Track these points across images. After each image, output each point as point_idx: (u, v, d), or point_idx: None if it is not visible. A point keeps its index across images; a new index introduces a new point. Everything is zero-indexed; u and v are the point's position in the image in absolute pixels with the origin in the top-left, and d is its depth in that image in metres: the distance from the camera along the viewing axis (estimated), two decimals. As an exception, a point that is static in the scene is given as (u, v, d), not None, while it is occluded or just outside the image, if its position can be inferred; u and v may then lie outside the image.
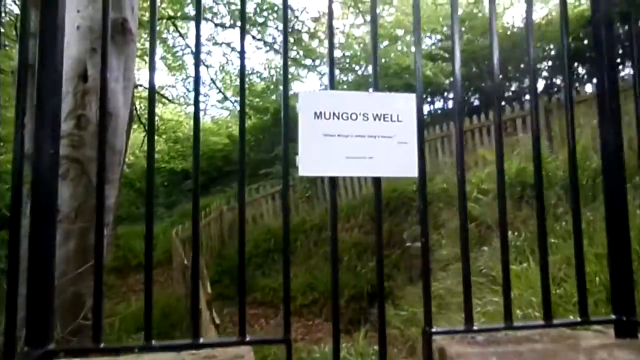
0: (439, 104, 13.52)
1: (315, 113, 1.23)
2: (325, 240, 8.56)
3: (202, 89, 15.85)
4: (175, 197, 14.62)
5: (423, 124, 1.31)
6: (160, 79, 16.17)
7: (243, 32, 1.41)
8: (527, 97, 10.72)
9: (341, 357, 4.57)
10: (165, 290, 7.49)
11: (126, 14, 4.12)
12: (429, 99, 12.95)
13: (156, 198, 14.63)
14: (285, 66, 1.28)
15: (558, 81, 10.87)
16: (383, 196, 6.12)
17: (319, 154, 1.21)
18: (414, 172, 1.28)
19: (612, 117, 1.41)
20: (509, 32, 11.18)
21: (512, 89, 11.09)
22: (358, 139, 1.25)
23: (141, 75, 16.61)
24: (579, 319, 1.40)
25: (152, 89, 1.29)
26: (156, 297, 7.00)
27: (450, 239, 6.43)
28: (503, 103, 9.92)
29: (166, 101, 15.63)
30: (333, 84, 1.30)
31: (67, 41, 4.33)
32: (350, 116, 1.25)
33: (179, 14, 11.70)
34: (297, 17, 11.34)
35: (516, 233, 4.95)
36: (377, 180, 1.32)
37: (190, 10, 11.35)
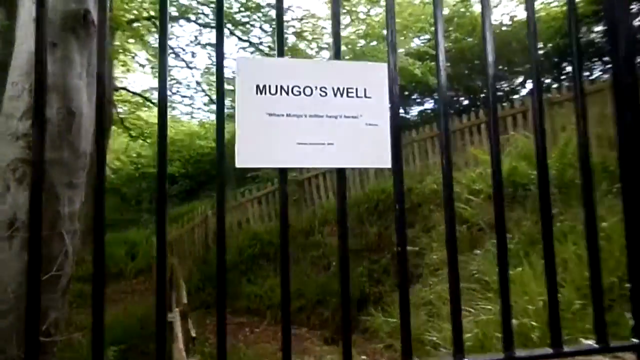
0: (428, 105, 13.34)
1: (258, 87, 0.97)
2: (313, 245, 8.30)
3: (187, 92, 15.56)
4: (161, 203, 14.23)
5: (398, 100, 1.05)
6: (144, 82, 15.83)
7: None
8: (517, 95, 10.58)
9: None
10: (146, 300, 7.16)
11: (88, 5, 3.82)
12: (417, 99, 12.77)
13: (140, 204, 14.29)
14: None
15: (547, 80, 10.74)
16: (371, 198, 5.82)
17: (262, 140, 0.96)
18: (386, 162, 1.02)
19: (631, 106, 1.16)
20: (497, 30, 11.03)
21: (503, 87, 10.94)
22: (314, 120, 0.99)
23: (128, 79, 16.27)
24: (595, 345, 1.15)
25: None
26: (135, 307, 6.69)
27: (441, 242, 6.19)
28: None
29: (151, 105, 15.27)
30: (282, 49, 1.02)
31: (23, 33, 3.98)
32: (304, 90, 0.99)
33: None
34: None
35: (509, 235, 4.72)
36: (340, 173, 1.05)
37: (174, 10, 11.06)
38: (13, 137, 3.59)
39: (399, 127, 1.02)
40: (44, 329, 3.50)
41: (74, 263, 4.27)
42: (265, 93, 0.97)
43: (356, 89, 1.02)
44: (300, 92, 0.99)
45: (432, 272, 5.82)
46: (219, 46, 1.00)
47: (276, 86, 0.98)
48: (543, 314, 3.00)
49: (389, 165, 1.01)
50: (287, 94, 0.98)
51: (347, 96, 1.01)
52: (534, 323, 2.89)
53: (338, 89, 1.01)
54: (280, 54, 1.02)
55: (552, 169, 5.31)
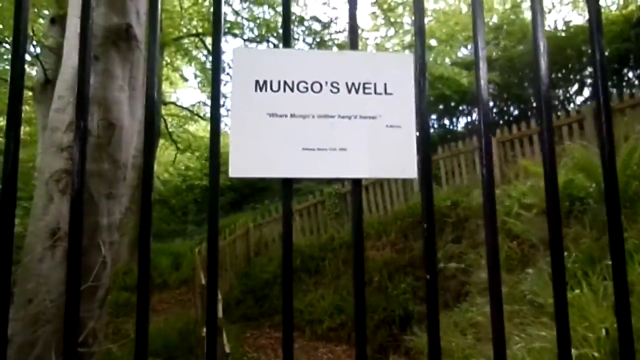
0: (476, 115, 12.87)
1: (257, 82, 0.83)
2: (354, 259, 8.09)
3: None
4: (206, 214, 14.50)
5: (426, 97, 0.88)
6: (192, 97, 16.29)
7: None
8: (572, 104, 9.99)
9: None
10: (187, 311, 7.21)
11: (131, 19, 3.88)
12: (464, 110, 12.35)
13: (187, 215, 14.60)
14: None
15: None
16: (415, 211, 5.58)
17: (261, 145, 0.82)
18: (411, 172, 0.86)
19: None
20: (551, 36, 10.51)
21: (558, 95, 10.37)
22: (323, 122, 0.83)
23: (177, 93, 16.82)
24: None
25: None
26: (175, 318, 6.73)
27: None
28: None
29: (198, 118, 15.68)
30: (289, 38, 0.88)
31: (69, 49, 4.08)
32: (312, 86, 0.83)
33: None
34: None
35: (566, 253, 4.35)
36: (356, 185, 0.89)
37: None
38: (58, 149, 3.68)
39: (427, 129, 0.86)
40: (81, 339, 3.52)
41: (112, 274, 4.31)
42: (266, 89, 0.83)
43: (375, 85, 0.86)
44: (307, 88, 0.84)
45: (480, 291, 5.48)
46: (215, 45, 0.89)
47: (279, 81, 0.84)
48: (606, 344, 2.68)
49: (414, 176, 0.85)
50: (292, 90, 0.84)
51: (364, 93, 0.85)
52: (595, 354, 2.57)
53: (353, 84, 0.85)
54: (287, 43, 0.88)
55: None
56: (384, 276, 7.49)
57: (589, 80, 10.15)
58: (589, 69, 10.01)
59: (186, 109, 14.46)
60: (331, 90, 0.83)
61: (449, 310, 5.77)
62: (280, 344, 5.78)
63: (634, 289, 3.13)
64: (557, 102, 10.18)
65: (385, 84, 0.85)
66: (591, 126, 6.23)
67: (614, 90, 9.40)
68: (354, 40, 0.86)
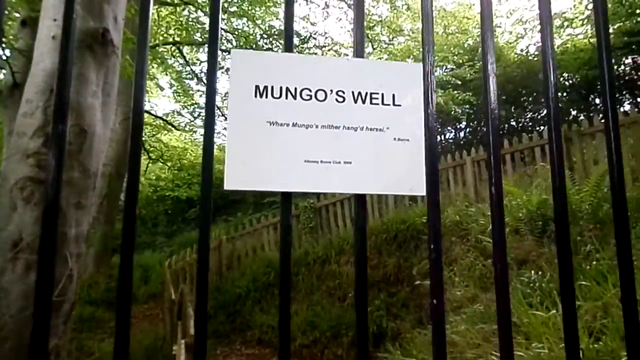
0: (449, 134, 13.12)
1: (257, 88, 0.77)
2: (329, 274, 8.02)
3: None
4: (177, 226, 14.18)
5: (435, 110, 0.84)
6: (166, 106, 16.05)
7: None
8: (542, 127, 10.27)
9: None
10: (155, 327, 6.95)
11: (108, 24, 3.78)
12: (437, 128, 12.56)
13: (157, 226, 14.24)
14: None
15: (574, 112, 10.45)
16: (390, 228, 5.55)
17: (260, 156, 0.75)
18: (419, 188, 0.81)
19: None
20: (524, 60, 10.86)
21: (529, 116, 10.68)
22: (327, 133, 0.78)
23: (150, 102, 16.52)
24: None
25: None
26: (142, 334, 6.47)
27: (463, 277, 5.88)
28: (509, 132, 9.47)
29: (171, 128, 15.41)
30: (291, 42, 0.82)
31: (40, 52, 3.92)
32: (315, 94, 0.78)
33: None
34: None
35: (540, 273, 4.40)
36: (360, 200, 0.84)
37: (198, 36, 11.22)
38: (23, 155, 3.50)
39: (435, 144, 0.81)
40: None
41: (78, 288, 4.10)
42: (267, 96, 0.77)
43: (382, 95, 0.81)
44: (311, 96, 0.78)
45: (454, 309, 5.48)
46: (211, 45, 0.82)
47: (281, 88, 0.78)
48: (584, 365, 2.69)
49: (423, 193, 0.80)
50: (295, 97, 0.78)
51: (371, 103, 0.80)
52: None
53: (359, 93, 0.80)
54: (289, 47, 0.82)
55: (586, 203, 5.00)
56: (358, 292, 7.42)
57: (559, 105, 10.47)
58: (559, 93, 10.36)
59: (160, 118, 14.20)
60: (336, 99, 0.78)
61: (424, 327, 5.75)
62: (251, 362, 5.56)
63: (609, 310, 3.17)
64: (528, 123, 10.47)
65: (393, 95, 0.80)
66: (564, 148, 6.39)
67: (582, 115, 9.75)
68: (360, 48, 0.81)
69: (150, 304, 8.46)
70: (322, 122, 0.76)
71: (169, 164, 15.72)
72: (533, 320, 3.51)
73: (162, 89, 13.84)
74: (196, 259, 6.81)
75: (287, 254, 0.79)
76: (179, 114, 16.03)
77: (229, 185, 0.74)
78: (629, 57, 9.46)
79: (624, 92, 9.90)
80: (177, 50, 11.40)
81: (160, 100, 19.31)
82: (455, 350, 4.55)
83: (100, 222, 9.31)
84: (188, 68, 12.79)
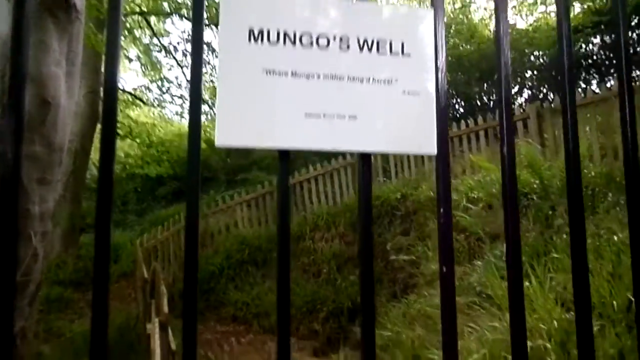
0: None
1: (251, 32, 0.67)
2: (303, 251, 8.02)
3: (177, 91, 15.24)
4: (147, 204, 13.87)
5: (446, 61, 0.77)
6: (133, 81, 15.48)
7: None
8: (514, 104, 10.41)
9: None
10: (127, 306, 6.82)
11: (70, -13, 3.54)
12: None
13: (126, 205, 13.89)
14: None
15: (544, 90, 10.61)
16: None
17: (255, 108, 0.66)
18: (429, 147, 0.75)
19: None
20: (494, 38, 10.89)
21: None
22: (330, 84, 0.69)
23: (121, 77, 15.88)
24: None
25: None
26: (114, 313, 6.34)
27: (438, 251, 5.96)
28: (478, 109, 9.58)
29: (140, 104, 14.92)
30: None
31: (-4, 16, 3.59)
32: (317, 40, 0.69)
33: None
34: None
35: (512, 246, 4.49)
36: (366, 160, 0.76)
37: (166, 5, 10.77)
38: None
39: (446, 99, 0.75)
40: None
41: (44, 267, 3.94)
42: (262, 41, 0.67)
43: (390, 43, 0.72)
44: (311, 42, 0.69)
45: (428, 282, 5.57)
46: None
47: (278, 31, 0.68)
48: (556, 335, 2.75)
49: (433, 152, 0.74)
50: (294, 43, 0.68)
51: (378, 52, 0.72)
52: (547, 345, 2.64)
53: (365, 41, 0.71)
54: None
55: (556, 179, 5.11)
56: (332, 268, 7.47)
57: (529, 83, 10.64)
58: (529, 72, 10.49)
59: (128, 92, 13.70)
60: (340, 47, 0.69)
61: (398, 301, 5.83)
62: (226, 338, 5.57)
63: (579, 281, 3.25)
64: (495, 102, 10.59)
65: (402, 43, 0.72)
66: (535, 124, 6.49)
67: (552, 94, 9.90)
68: (367, -10, 0.72)
69: (121, 282, 8.29)
70: (324, 72, 0.68)
71: (137, 140, 15.25)
72: (506, 292, 3.58)
73: (130, 60, 13.30)
74: (167, 237, 6.67)
75: (286, 218, 0.71)
76: (148, 88, 15.52)
77: (220, 141, 0.65)
78: (597, 36, 9.62)
79: (592, 72, 10.09)
80: (144, 21, 10.93)
81: (127, 74, 18.62)
82: (430, 322, 4.64)
83: (67, 200, 9.00)
84: (156, 40, 12.31)
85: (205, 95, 14.84)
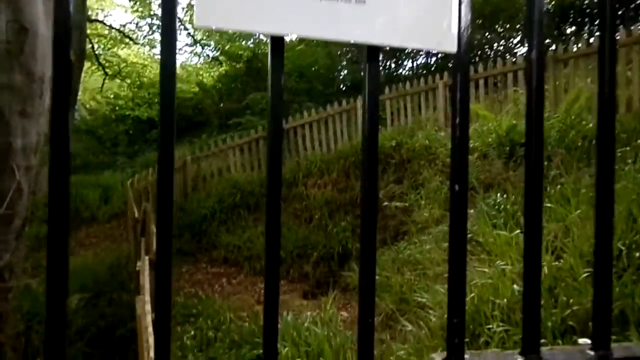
0: (422, 59, 12.85)
1: None
2: (296, 197, 8.01)
3: (169, 30, 14.63)
4: (139, 147, 13.69)
5: None
6: (121, 17, 14.80)
7: None
8: (517, 51, 10.15)
9: (305, 326, 4.10)
10: (119, 246, 6.85)
11: None
12: (409, 52, 12.24)
13: (117, 147, 13.71)
14: None
15: (547, 40, 10.31)
16: (358, 150, 5.48)
17: None
18: (450, 44, 0.62)
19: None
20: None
21: (502, 43, 10.50)
22: None
23: (105, 13, 15.20)
24: None
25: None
26: (105, 253, 6.37)
27: (430, 199, 5.96)
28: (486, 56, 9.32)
29: (129, 42, 14.37)
30: None
31: None
32: None
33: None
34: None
35: (505, 196, 4.47)
36: (373, 55, 0.61)
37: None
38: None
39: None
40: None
41: (30, 204, 3.87)
42: None
43: None
44: None
45: (419, 230, 5.60)
46: None
47: None
48: (544, 281, 2.77)
49: (453, 50, 0.63)
50: None
51: None
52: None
53: None
54: None
55: (554, 130, 5.02)
56: (324, 214, 7.49)
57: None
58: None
59: (116, 29, 13.14)
60: None
61: (388, 248, 5.88)
62: (217, 279, 5.59)
63: (571, 230, 3.25)
64: (501, 51, 10.32)
65: None
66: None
67: (554, 45, 9.63)
68: None
69: (112, 223, 8.29)
70: None
71: (127, 80, 14.84)
72: (497, 240, 3.58)
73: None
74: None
75: (279, 123, 0.60)
76: (137, 26, 14.90)
77: (199, 21, 0.53)
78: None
79: (596, 23, 9.79)
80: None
81: (115, 10, 17.78)
82: (419, 268, 4.69)
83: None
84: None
85: (198, 34, 14.29)
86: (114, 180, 9.69)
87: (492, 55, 10.27)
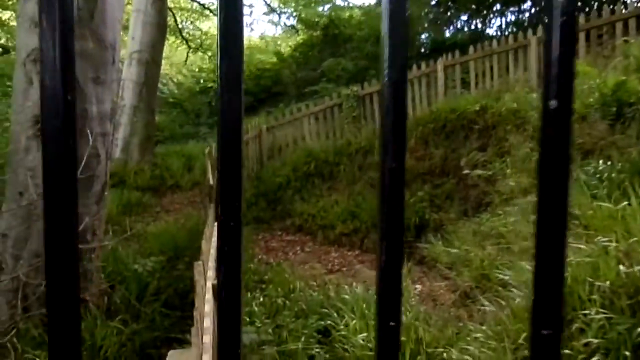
0: (512, 15, 11.72)
1: None
2: (371, 165, 7.75)
3: (246, 1, 14.69)
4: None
5: None
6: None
7: None
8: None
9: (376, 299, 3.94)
10: (199, 212, 7.10)
11: None
12: (496, 9, 11.19)
13: (199, 117, 14.24)
14: None
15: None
16: (438, 117, 5.06)
17: None
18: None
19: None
20: None
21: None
22: None
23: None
24: None
25: None
26: (185, 219, 6.63)
27: (517, 168, 5.42)
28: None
29: (209, 14, 14.66)
30: None
31: None
32: None
33: None
34: None
35: (609, 162, 3.89)
36: None
37: None
38: (32, 22, 3.19)
39: None
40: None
41: (109, 169, 4.02)
42: None
43: None
44: None
45: (503, 201, 5.13)
46: None
47: None
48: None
49: None
50: None
51: None
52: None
53: None
54: None
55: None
56: (401, 184, 7.17)
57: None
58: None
59: (197, 2, 13.44)
60: None
61: (468, 219, 5.49)
62: (290, 247, 5.54)
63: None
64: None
65: None
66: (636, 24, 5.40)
67: None
68: None
69: (195, 190, 8.64)
70: None
71: (209, 53, 15.24)
72: (598, 212, 3.10)
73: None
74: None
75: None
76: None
77: None
78: None
79: None
80: None
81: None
82: (502, 242, 4.29)
83: (141, 110, 9.28)
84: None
85: (274, 1, 14.21)
86: (197, 150, 10.06)
87: (593, 5, 9.03)
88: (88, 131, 3.25)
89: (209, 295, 2.06)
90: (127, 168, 8.70)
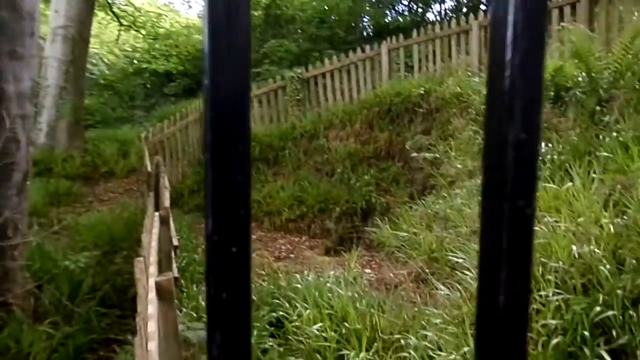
0: (450, 2, 11.96)
1: None
2: (317, 149, 7.65)
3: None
4: (156, 101, 13.39)
5: None
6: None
7: None
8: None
9: (328, 286, 3.85)
10: (135, 200, 6.68)
11: None
12: (440, -6, 11.37)
13: (134, 100, 13.46)
14: None
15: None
16: (383, 101, 5.00)
17: None
18: None
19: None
20: None
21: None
22: None
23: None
24: None
25: None
26: (122, 208, 6.20)
27: (461, 151, 5.51)
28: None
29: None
30: None
31: None
32: None
33: None
34: None
35: (549, 145, 4.01)
36: None
37: None
38: None
39: None
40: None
41: (31, 157, 3.61)
42: None
43: None
44: None
45: (449, 183, 5.21)
46: None
47: None
48: (607, 240, 2.38)
49: None
50: None
51: None
52: (597, 250, 2.27)
53: None
54: None
55: (610, 70, 4.46)
56: (347, 168, 7.14)
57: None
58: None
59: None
60: None
61: (415, 202, 5.54)
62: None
63: (634, 183, 2.82)
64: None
65: None
66: (585, 9, 5.63)
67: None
68: None
69: (130, 178, 8.13)
70: None
71: (142, 31, 14.35)
72: (544, 194, 3.18)
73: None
74: (173, 132, 6.24)
75: None
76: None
77: None
78: None
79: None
80: None
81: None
82: (450, 224, 4.34)
83: (69, 92, 8.55)
84: None
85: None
86: (132, 135, 9.46)
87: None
88: (4, 113, 2.87)
89: (152, 295, 1.84)
90: (54, 155, 8.01)
